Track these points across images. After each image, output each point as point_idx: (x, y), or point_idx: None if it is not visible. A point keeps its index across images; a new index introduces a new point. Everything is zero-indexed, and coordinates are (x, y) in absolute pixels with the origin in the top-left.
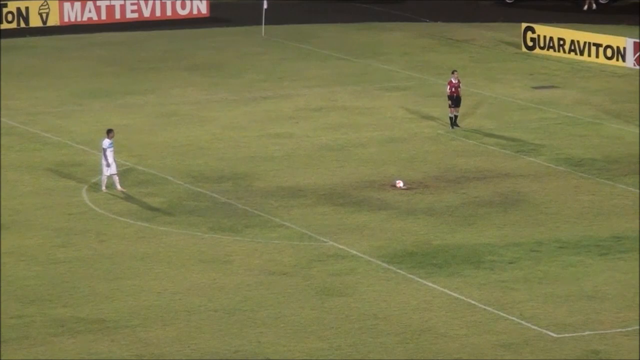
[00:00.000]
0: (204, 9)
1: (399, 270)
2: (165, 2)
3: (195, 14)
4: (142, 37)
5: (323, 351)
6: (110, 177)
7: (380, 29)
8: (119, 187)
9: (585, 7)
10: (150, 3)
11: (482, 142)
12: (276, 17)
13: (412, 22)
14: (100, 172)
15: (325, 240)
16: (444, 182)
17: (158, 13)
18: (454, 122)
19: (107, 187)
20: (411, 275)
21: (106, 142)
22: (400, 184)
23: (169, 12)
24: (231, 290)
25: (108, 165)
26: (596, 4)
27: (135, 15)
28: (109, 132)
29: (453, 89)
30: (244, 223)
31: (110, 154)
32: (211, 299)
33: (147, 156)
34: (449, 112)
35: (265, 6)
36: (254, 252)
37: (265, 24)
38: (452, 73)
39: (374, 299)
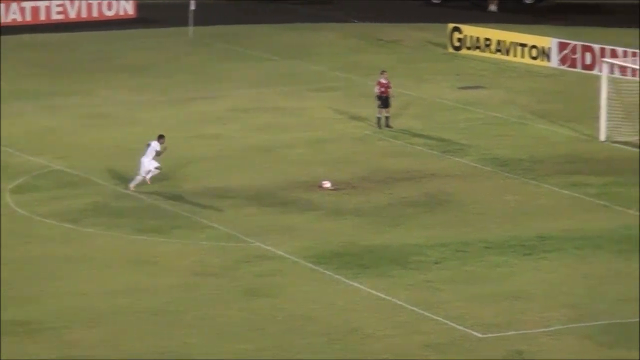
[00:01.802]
0: (130, 9)
1: (326, 271)
2: (91, 3)
3: (122, 15)
4: (69, 39)
5: (249, 352)
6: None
7: (309, 30)
8: (132, 185)
9: (490, 8)
10: (76, 4)
11: (409, 143)
12: (204, 17)
13: (341, 22)
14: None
15: (252, 241)
16: (372, 182)
17: (84, 14)
18: (385, 123)
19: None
20: (338, 276)
21: (155, 144)
22: (327, 184)
23: (95, 14)
24: (157, 292)
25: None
26: (498, 7)
27: (61, 16)
28: (160, 138)
29: (382, 90)
30: (170, 224)
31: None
32: (137, 300)
33: (73, 157)
34: (377, 113)
35: (192, 7)
36: (181, 253)
37: (192, 25)
38: (381, 73)
39: (301, 299)
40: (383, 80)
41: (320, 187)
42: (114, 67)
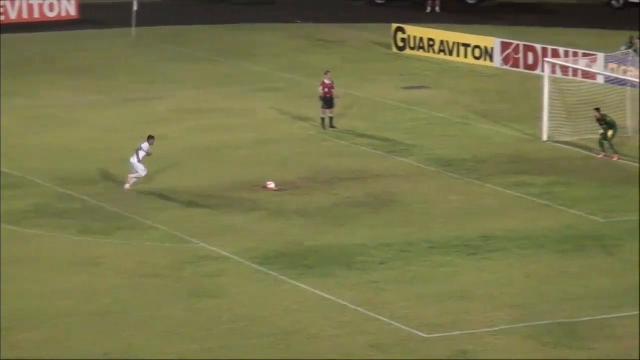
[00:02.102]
0: (73, 10)
1: (270, 272)
2: (32, 4)
3: (64, 16)
4: (10, 40)
5: (194, 353)
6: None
7: (252, 30)
8: (128, 186)
9: (429, 9)
10: (17, 4)
11: (354, 143)
12: (147, 18)
13: (284, 23)
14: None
15: (197, 242)
16: (316, 183)
17: (25, 15)
18: (329, 123)
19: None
20: (283, 277)
21: (145, 145)
22: (271, 185)
23: (36, 14)
24: (102, 293)
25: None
26: (441, 7)
27: (2, 17)
28: (150, 139)
29: (326, 90)
30: (115, 225)
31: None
32: (81, 301)
33: (15, 159)
34: (321, 113)
35: (135, 7)
36: (125, 254)
37: (135, 26)
38: (325, 74)
39: (245, 300)
40: (327, 81)
41: (265, 187)
42: (57, 68)
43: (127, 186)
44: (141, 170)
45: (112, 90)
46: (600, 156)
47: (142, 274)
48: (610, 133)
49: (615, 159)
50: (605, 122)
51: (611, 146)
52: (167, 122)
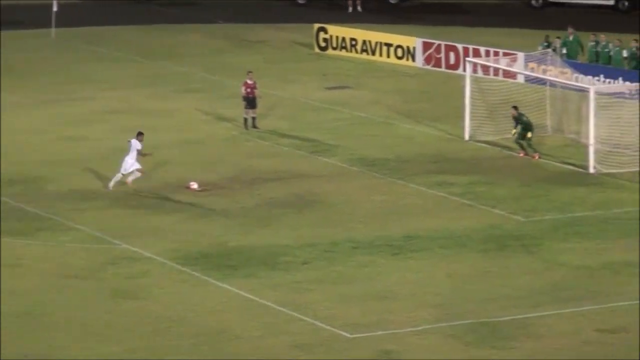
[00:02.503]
0: None
1: (194, 272)
2: None
3: None
4: None
5: (117, 354)
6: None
7: (175, 31)
8: (111, 184)
9: (350, 9)
10: None
11: (277, 143)
12: (67, 19)
13: (206, 24)
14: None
15: (119, 242)
16: (239, 183)
17: None
18: (252, 123)
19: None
20: (206, 277)
21: (135, 141)
22: (194, 185)
23: None
24: (22, 294)
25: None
26: (362, 7)
27: None
28: (139, 135)
29: (249, 90)
30: (35, 226)
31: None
32: (1, 303)
33: None
34: (244, 114)
35: (55, 8)
36: (46, 255)
37: (55, 27)
38: (248, 74)
39: (168, 301)
40: (249, 81)
41: (188, 188)
42: None
43: (130, 179)
44: (128, 167)
45: (33, 91)
46: (521, 155)
47: (63, 275)
48: (529, 135)
49: (536, 157)
50: (521, 122)
51: (529, 145)
52: (89, 123)
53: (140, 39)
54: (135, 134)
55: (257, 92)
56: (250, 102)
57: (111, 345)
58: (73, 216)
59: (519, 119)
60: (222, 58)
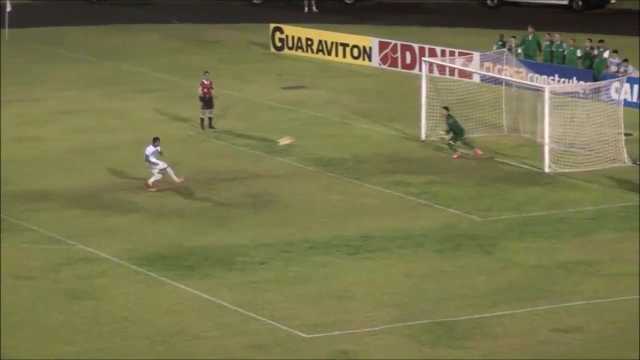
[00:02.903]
0: None
1: (150, 273)
2: None
3: None
4: None
5: (72, 355)
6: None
7: (130, 31)
8: (176, 178)
9: (306, 9)
10: None
11: (233, 143)
12: (21, 19)
13: (161, 24)
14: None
15: (74, 243)
16: (196, 183)
17: None
18: (209, 124)
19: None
20: (162, 278)
21: (150, 149)
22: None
23: None
24: None
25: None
26: (317, 7)
27: None
28: (155, 141)
29: (205, 91)
30: None
31: (154, 159)
32: None
33: None
34: (200, 114)
35: (8, 8)
36: (1, 256)
37: (8, 27)
38: (204, 74)
39: (124, 302)
40: (206, 81)
41: (148, 186)
42: None
43: (176, 178)
44: (162, 165)
45: None
46: (455, 157)
47: (18, 276)
48: (449, 135)
49: (479, 153)
50: (448, 123)
51: (466, 144)
52: (44, 124)
53: (95, 39)
54: (152, 141)
55: (213, 92)
56: (207, 102)
57: (66, 346)
58: (28, 217)
59: (447, 120)
60: (178, 58)
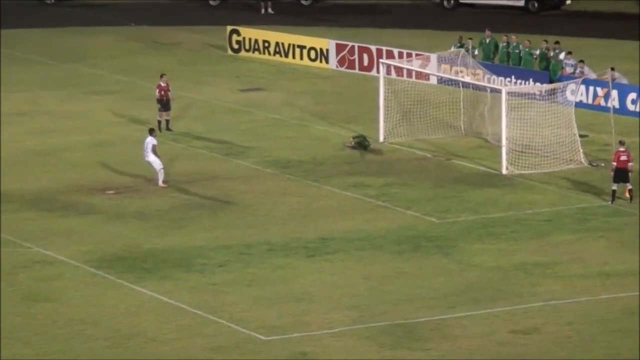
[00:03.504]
0: None
1: (107, 275)
2: None
3: None
4: None
5: (29, 357)
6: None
7: (85, 33)
8: (160, 181)
9: (262, 11)
10: None
11: (191, 146)
12: None
13: (118, 25)
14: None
15: (31, 246)
16: (154, 185)
17: None
18: (166, 126)
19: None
20: (120, 280)
21: (150, 140)
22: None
23: None
24: None
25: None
26: (272, 8)
27: None
28: (152, 132)
29: (162, 93)
30: None
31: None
32: None
33: None
34: (157, 116)
35: None
36: None
37: None
38: (161, 77)
39: (81, 304)
40: (162, 84)
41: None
42: None
43: (161, 183)
44: (157, 165)
45: None
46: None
47: None
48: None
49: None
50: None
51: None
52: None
53: (50, 41)
54: (149, 132)
55: (170, 94)
56: (164, 104)
57: (23, 348)
58: None
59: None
60: (135, 60)
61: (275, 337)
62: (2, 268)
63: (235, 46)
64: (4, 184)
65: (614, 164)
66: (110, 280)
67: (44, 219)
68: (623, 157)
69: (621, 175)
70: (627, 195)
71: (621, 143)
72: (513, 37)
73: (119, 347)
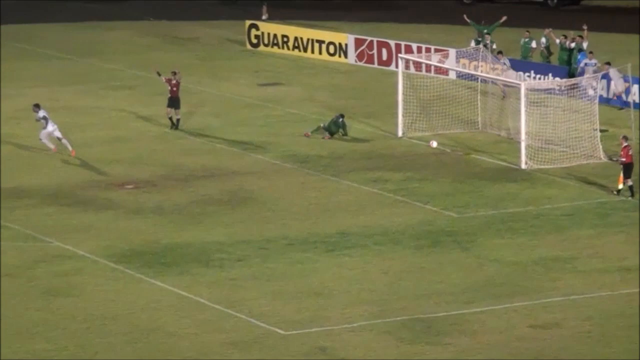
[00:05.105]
0: None
1: (127, 270)
2: None
3: None
4: None
5: (49, 352)
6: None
7: (103, 28)
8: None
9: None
10: None
11: (209, 141)
12: None
13: (136, 20)
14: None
15: (50, 240)
16: (172, 180)
17: None
18: (175, 124)
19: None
20: (139, 275)
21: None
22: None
23: None
24: None
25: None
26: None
27: None
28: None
29: (174, 90)
30: None
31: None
32: None
33: None
34: (167, 113)
35: None
36: None
37: None
38: (175, 74)
39: (101, 299)
40: (174, 80)
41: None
42: None
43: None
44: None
45: None
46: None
47: None
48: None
49: (326, 138)
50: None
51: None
52: (18, 121)
53: (68, 36)
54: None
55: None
56: (174, 102)
57: (43, 343)
58: (3, 214)
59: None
60: (153, 55)
61: (294, 332)
62: (21, 263)
63: (254, 41)
64: (23, 180)
65: (624, 159)
66: (130, 275)
67: (63, 214)
68: (630, 152)
69: (629, 169)
70: (620, 184)
71: (625, 138)
72: (526, 32)
73: (138, 342)
